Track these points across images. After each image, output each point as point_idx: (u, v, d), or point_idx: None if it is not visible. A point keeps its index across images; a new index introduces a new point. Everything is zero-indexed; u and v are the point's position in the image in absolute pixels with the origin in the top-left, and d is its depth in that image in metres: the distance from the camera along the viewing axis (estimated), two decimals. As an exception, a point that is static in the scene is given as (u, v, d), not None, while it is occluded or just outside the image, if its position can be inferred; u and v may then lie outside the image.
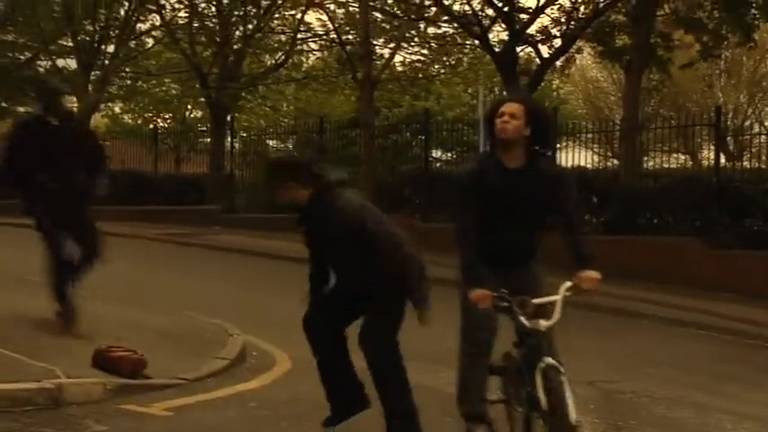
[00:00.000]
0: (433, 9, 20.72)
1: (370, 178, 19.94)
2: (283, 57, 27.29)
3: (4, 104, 30.51)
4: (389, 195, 18.90)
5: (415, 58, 25.46)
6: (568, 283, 4.57)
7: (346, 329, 5.25)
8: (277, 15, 26.46)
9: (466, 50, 25.11)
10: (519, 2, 19.75)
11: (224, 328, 8.44)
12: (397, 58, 25.10)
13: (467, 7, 20.31)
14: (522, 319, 4.43)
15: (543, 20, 20.20)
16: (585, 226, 5.76)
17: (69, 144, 7.50)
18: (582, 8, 19.83)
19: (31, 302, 7.88)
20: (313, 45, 27.88)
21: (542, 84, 23.68)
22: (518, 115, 4.77)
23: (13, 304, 7.89)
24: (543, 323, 4.43)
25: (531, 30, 19.86)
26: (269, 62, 28.37)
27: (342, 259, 5.12)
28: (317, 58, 30.11)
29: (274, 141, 33.31)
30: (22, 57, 29.88)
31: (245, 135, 30.34)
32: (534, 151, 4.88)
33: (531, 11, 19.61)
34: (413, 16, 21.24)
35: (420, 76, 26.49)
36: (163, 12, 26.07)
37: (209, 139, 27.47)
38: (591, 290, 4.60)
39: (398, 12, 21.68)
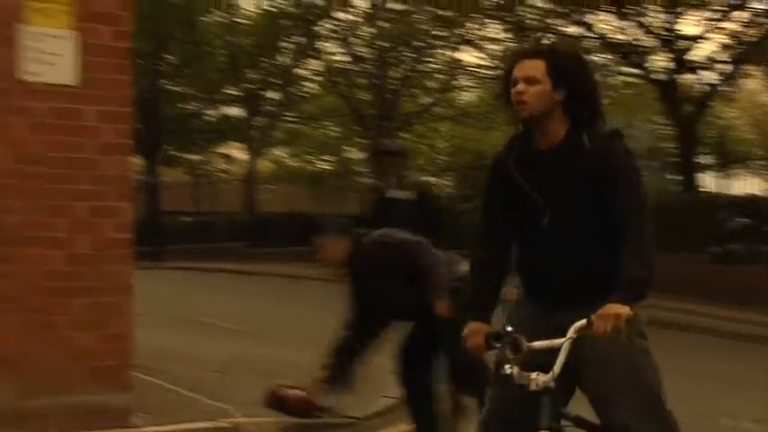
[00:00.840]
0: (590, 40, 20.40)
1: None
2: (438, 95, 27.55)
3: (173, 153, 32.01)
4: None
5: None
6: (583, 322, 3.12)
7: None
8: (431, 54, 26.76)
9: (623, 79, 24.58)
10: (680, 30, 19.19)
11: (390, 366, 8.45)
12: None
13: (623, 36, 19.90)
14: (510, 368, 3.14)
15: (707, 45, 19.56)
16: (645, 232, 3.26)
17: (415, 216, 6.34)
18: (750, 31, 19.07)
19: (209, 344, 8.12)
20: (468, 82, 27.98)
21: (707, 110, 22.85)
22: (538, 77, 3.25)
23: (191, 345, 8.17)
24: (540, 378, 3.09)
25: (695, 56, 19.26)
26: (425, 101, 28.69)
27: None
28: (473, 96, 30.17)
29: (432, 178, 33.50)
30: (190, 107, 31.34)
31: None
32: (578, 122, 3.34)
33: (693, 37, 19.02)
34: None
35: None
36: (322, 57, 26.84)
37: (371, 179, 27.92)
38: (601, 334, 3.07)
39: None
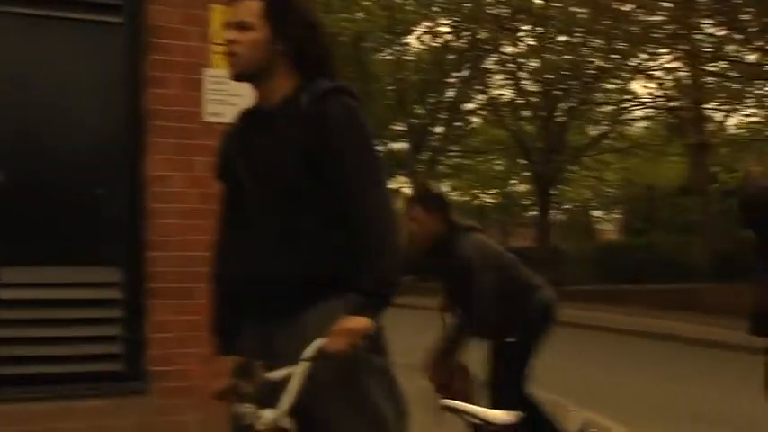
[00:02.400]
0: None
1: (707, 246, 18.92)
2: (607, 127, 27.02)
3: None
4: (730, 263, 17.81)
5: (750, 119, 24.08)
6: (321, 341, 2.50)
7: None
8: (600, 86, 26.32)
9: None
10: None
11: (562, 403, 8.28)
12: (732, 121, 23.86)
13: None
14: (244, 407, 2.55)
15: None
16: (380, 224, 2.50)
17: None
18: None
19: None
20: (638, 113, 27.32)
21: None
22: (253, 22, 2.58)
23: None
24: (267, 415, 2.50)
25: None
26: (593, 133, 28.19)
27: None
28: (642, 127, 29.41)
29: (599, 212, 32.80)
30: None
31: (569, 207, 30.20)
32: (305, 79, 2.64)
33: None
34: (748, 76, 20.10)
35: (757, 137, 24.96)
36: (488, 91, 26.87)
37: (534, 213, 27.63)
38: (337, 352, 2.47)
39: (731, 73, 20.63)
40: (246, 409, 2.52)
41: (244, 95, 5.70)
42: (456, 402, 3.38)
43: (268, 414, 2.50)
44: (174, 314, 4.70)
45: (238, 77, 2.64)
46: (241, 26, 2.58)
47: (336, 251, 2.53)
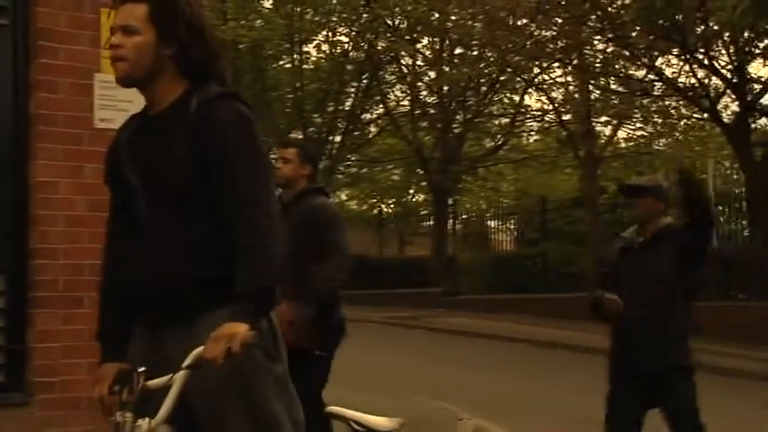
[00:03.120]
0: (656, 83, 20.23)
1: (595, 257, 19.45)
2: (502, 139, 27.58)
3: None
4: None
5: (638, 133, 24.90)
6: (201, 349, 2.48)
7: None
8: (496, 99, 26.82)
9: (691, 123, 24.28)
10: (750, 73, 18.91)
11: (452, 411, 8.39)
12: (621, 134, 24.62)
13: (693, 80, 19.69)
14: (121, 416, 2.48)
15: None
16: (260, 227, 2.49)
17: None
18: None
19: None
20: (532, 125, 27.94)
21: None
22: (138, 26, 2.60)
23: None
24: (144, 426, 2.46)
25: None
26: (488, 144, 28.70)
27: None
28: (536, 139, 30.10)
29: (495, 222, 33.35)
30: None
31: (465, 217, 30.61)
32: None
33: (763, 80, 18.72)
34: (636, 91, 20.81)
35: (645, 151, 25.83)
36: (386, 101, 27.08)
37: (431, 222, 27.93)
38: (212, 361, 2.42)
39: (619, 88, 21.33)
40: (125, 418, 2.46)
41: (135, 101, 5.64)
42: (339, 409, 3.35)
43: (145, 423, 2.45)
44: (60, 323, 4.60)
45: (125, 82, 2.62)
46: (126, 30, 2.54)
47: (230, 255, 2.48)
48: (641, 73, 19.83)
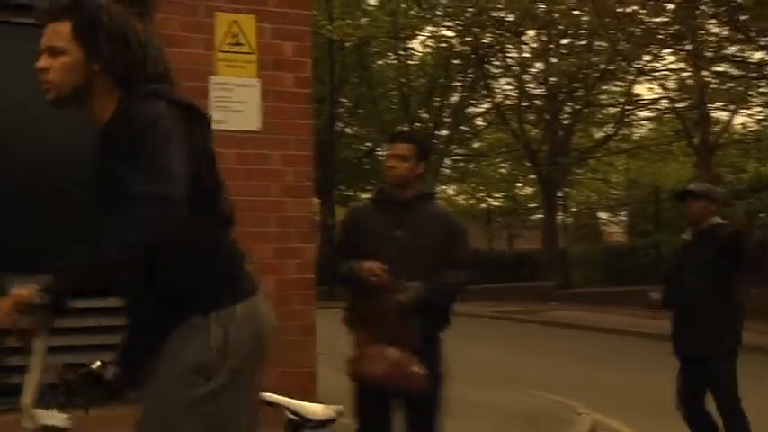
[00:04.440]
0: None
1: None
2: (613, 129, 27.06)
3: (347, 193, 32.75)
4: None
5: (757, 118, 24.05)
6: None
7: None
8: (605, 88, 26.35)
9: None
10: None
11: (570, 406, 8.28)
12: (738, 120, 23.85)
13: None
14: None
15: None
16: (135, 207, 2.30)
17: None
18: None
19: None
20: (643, 114, 27.33)
21: None
22: (63, 46, 2.52)
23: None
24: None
25: None
26: (598, 135, 28.21)
27: None
28: (650, 128, 29.41)
29: (606, 213, 32.73)
30: (363, 147, 32.05)
31: (575, 209, 30.19)
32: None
33: None
34: (753, 75, 20.09)
35: (763, 137, 24.95)
36: (492, 95, 26.92)
37: (541, 215, 27.64)
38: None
39: (735, 72, 20.63)
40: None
41: (248, 102, 5.76)
42: (275, 396, 3.23)
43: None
44: None
45: (54, 104, 2.51)
46: (52, 51, 2.48)
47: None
48: (758, 55, 19.13)
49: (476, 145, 31.38)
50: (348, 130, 31.01)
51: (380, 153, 32.07)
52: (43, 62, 2.47)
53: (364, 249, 4.52)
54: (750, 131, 24.60)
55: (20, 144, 5.03)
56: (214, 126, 2.64)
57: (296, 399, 3.30)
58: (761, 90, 21.95)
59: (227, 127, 5.47)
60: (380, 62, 29.01)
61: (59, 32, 2.46)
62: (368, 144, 32.00)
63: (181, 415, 2.41)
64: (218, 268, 2.50)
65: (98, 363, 2.67)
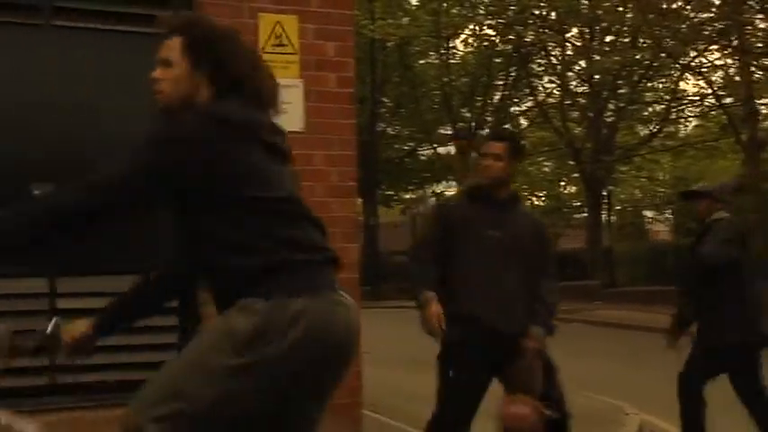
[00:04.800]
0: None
1: (760, 244, 18.61)
2: (658, 127, 26.75)
3: (389, 192, 32.76)
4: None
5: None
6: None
7: None
8: (649, 85, 26.06)
9: None
10: None
11: (618, 406, 8.20)
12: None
13: None
14: None
15: None
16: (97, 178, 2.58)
17: None
18: None
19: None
20: (689, 111, 26.98)
21: None
22: (173, 59, 2.76)
23: (417, 383, 8.24)
24: None
25: None
26: (643, 132, 27.91)
27: None
28: (696, 125, 29.04)
29: (652, 212, 32.38)
30: (405, 147, 32.04)
31: (620, 207, 29.91)
32: None
33: None
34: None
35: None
36: (535, 93, 26.76)
37: (585, 214, 27.42)
38: None
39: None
40: None
41: (294, 102, 5.77)
42: None
43: None
44: None
45: (167, 111, 2.71)
46: (164, 63, 2.69)
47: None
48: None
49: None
50: (390, 130, 31.02)
51: (422, 153, 32.08)
52: (157, 72, 2.68)
53: (461, 248, 4.50)
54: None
55: None
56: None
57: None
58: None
59: (271, 128, 5.49)
60: (422, 61, 28.97)
61: (171, 46, 2.68)
62: (410, 144, 31.98)
63: (197, 372, 2.50)
64: (258, 259, 2.53)
65: (53, 322, 2.75)
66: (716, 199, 5.85)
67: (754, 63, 19.80)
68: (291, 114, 5.66)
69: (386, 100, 29.58)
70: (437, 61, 28.02)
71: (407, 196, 34.80)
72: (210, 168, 2.50)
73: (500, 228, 4.52)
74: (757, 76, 20.51)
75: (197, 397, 2.47)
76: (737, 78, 20.76)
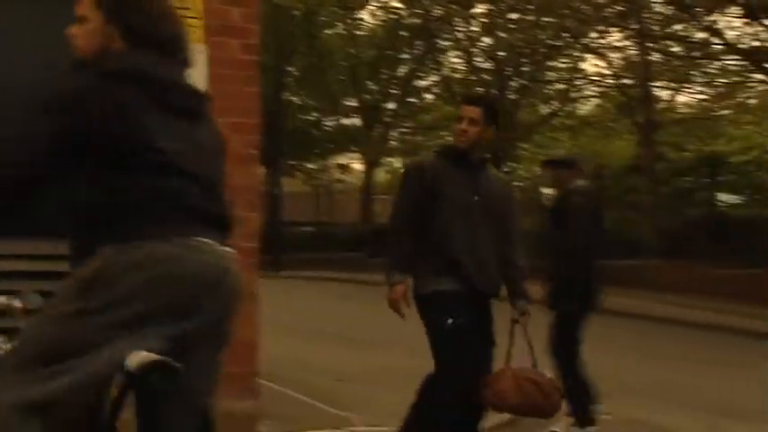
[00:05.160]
0: (718, 46, 19.78)
1: (652, 224, 19.23)
2: (559, 105, 27.26)
3: (292, 162, 32.60)
4: (673, 241, 18.19)
5: (699, 98, 24.42)
6: None
7: None
8: (551, 64, 26.49)
9: (753, 86, 23.72)
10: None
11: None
12: (681, 99, 24.19)
13: (756, 42, 19.21)
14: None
15: None
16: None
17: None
18: None
19: (333, 353, 8.20)
20: (589, 91, 27.57)
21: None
22: (87, 14, 2.84)
23: (314, 354, 8.26)
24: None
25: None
26: (544, 111, 28.40)
27: None
28: (594, 105, 29.70)
29: (550, 190, 32.99)
30: (310, 117, 31.88)
31: (521, 184, 30.38)
32: None
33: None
34: (696, 54, 20.38)
35: (705, 117, 25.35)
36: (441, 68, 26.92)
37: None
38: None
39: (679, 51, 20.91)
40: None
41: (197, 67, 5.67)
42: None
43: None
44: None
45: (80, 65, 2.76)
46: (80, 20, 2.78)
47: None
48: (702, 35, 19.40)
49: (424, 118, 31.41)
50: (296, 100, 30.80)
51: (327, 123, 31.97)
52: (73, 29, 2.77)
53: (438, 207, 4.57)
54: (692, 111, 25.00)
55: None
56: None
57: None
58: (703, 70, 22.31)
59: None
60: (329, 32, 28.79)
61: (85, 2, 2.76)
62: (315, 114, 31.84)
63: (44, 319, 2.56)
64: (116, 206, 2.55)
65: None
66: (569, 168, 6.23)
67: (651, 45, 20.35)
68: (194, 80, 5.55)
69: (292, 69, 29.33)
70: (344, 32, 27.90)
71: (311, 166, 34.67)
72: (99, 124, 2.52)
73: (474, 190, 4.61)
74: (654, 58, 21.09)
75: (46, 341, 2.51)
76: (635, 61, 21.30)
